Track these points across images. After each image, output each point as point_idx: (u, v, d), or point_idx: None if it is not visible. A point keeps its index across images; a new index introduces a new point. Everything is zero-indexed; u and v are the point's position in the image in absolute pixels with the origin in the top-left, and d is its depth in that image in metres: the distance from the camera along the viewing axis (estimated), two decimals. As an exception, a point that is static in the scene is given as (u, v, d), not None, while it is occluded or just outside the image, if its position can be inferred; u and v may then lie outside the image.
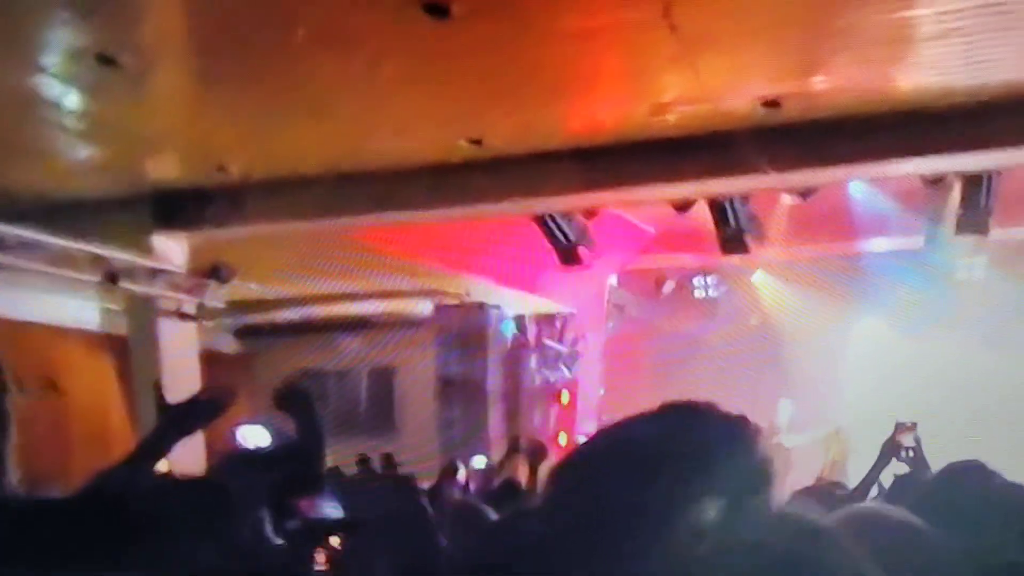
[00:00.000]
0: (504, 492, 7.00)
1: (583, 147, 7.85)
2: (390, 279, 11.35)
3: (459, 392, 12.84)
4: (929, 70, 6.78)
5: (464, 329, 12.48)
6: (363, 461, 9.85)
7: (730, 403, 1.60)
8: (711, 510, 1.34)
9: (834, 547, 1.31)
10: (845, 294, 12.73)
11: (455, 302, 12.37)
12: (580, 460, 1.66)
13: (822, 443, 12.63)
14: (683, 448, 1.51)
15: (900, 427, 5.95)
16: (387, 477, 8.51)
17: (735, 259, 10.67)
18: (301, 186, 8.44)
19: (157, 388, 3.11)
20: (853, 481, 6.74)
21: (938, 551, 2.11)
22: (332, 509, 2.47)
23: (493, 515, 3.81)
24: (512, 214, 9.21)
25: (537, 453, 5.39)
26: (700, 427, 1.58)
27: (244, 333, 14.29)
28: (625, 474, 1.50)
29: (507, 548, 1.79)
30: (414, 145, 7.82)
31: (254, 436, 4.71)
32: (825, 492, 6.03)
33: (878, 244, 11.86)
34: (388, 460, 10.22)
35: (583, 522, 1.49)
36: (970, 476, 2.99)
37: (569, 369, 14.17)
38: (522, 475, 7.61)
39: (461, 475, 8.46)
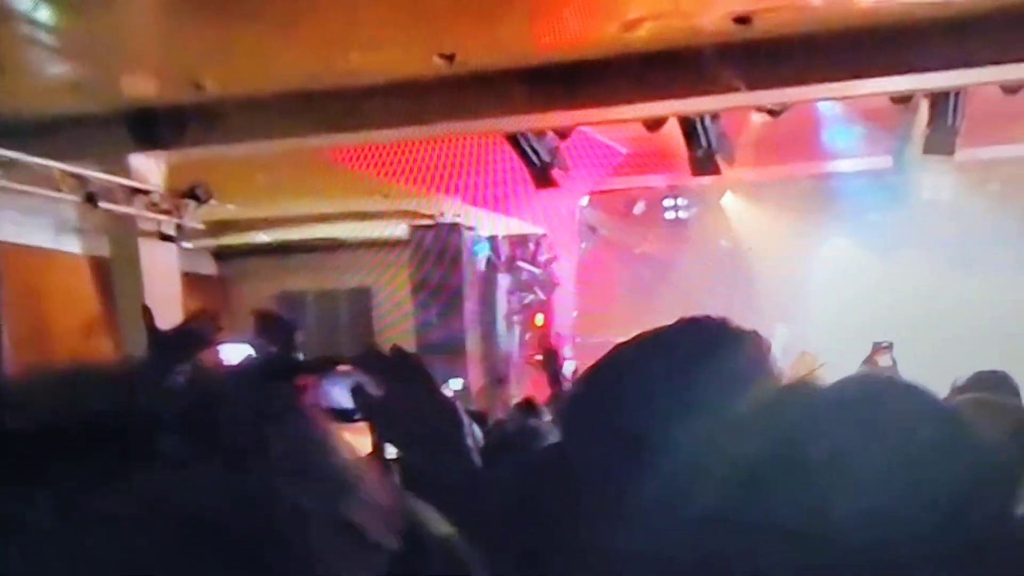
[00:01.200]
0: (524, 410, 6.96)
1: (555, 64, 7.76)
2: (365, 200, 11.27)
3: (436, 313, 12.80)
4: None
5: (438, 249, 12.41)
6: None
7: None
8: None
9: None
10: (814, 215, 12.74)
11: (429, 222, 12.29)
12: (597, 379, 1.64)
13: (791, 367, 12.74)
14: (711, 359, 1.50)
15: (877, 347, 5.98)
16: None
17: (705, 180, 10.66)
18: (275, 104, 8.32)
19: (146, 313, 3.01)
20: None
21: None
22: (341, 396, 2.34)
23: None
24: (485, 132, 9.13)
25: (552, 360, 5.29)
26: (723, 339, 1.58)
27: (223, 255, 14.22)
28: (654, 387, 1.49)
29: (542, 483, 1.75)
30: (387, 61, 7.70)
31: (239, 355, 4.66)
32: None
33: (846, 164, 11.86)
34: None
35: (615, 447, 1.47)
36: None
37: (542, 291, 14.16)
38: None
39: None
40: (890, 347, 6.05)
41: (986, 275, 12.27)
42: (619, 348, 1.65)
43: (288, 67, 7.83)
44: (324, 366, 2.18)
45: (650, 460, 1.27)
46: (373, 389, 1.85)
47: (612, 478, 1.39)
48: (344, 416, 2.13)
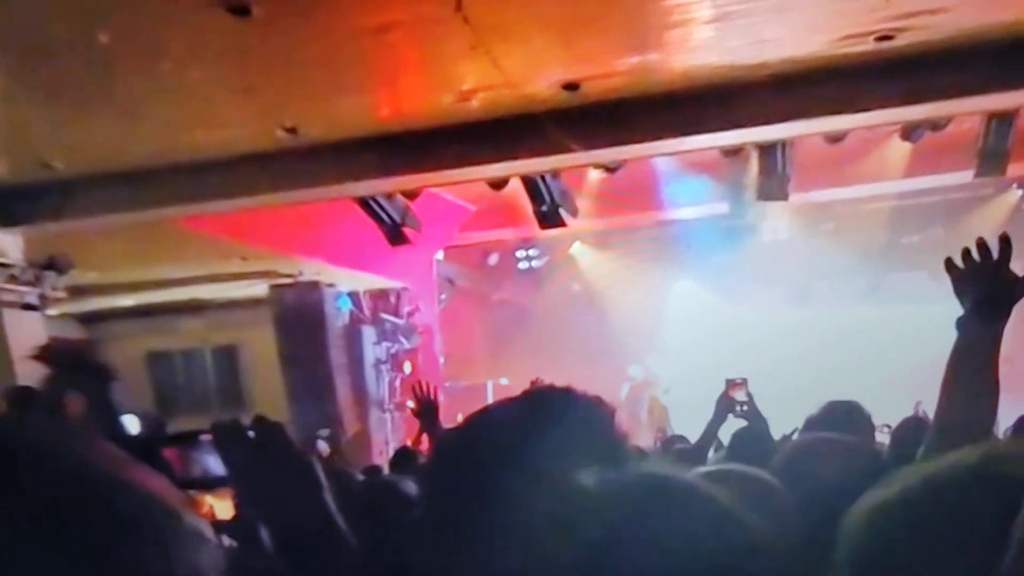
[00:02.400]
0: (402, 457, 6.97)
1: (395, 132, 7.86)
2: (224, 263, 11.21)
3: (303, 368, 12.74)
4: (713, 50, 6.95)
5: (300, 307, 12.39)
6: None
7: (560, 370, 1.68)
8: (580, 480, 1.38)
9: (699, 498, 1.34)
10: (659, 259, 13.06)
11: (289, 281, 12.26)
12: (452, 448, 1.71)
13: (646, 413, 12.97)
14: (551, 427, 1.58)
15: (731, 383, 6.00)
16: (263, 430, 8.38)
17: (554, 231, 10.85)
18: (125, 180, 8.30)
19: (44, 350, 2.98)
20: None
21: (789, 508, 2.21)
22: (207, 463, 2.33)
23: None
24: (330, 199, 9.18)
25: (427, 408, 5.21)
26: (564, 408, 1.66)
27: (89, 320, 13.97)
28: (497, 456, 1.56)
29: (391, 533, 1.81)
30: (231, 137, 7.73)
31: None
32: (669, 448, 6.08)
33: (686, 212, 12.16)
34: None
35: (458, 508, 1.56)
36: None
37: (408, 340, 14.21)
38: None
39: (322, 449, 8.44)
40: (745, 382, 6.10)
41: (824, 307, 12.68)
42: (470, 418, 1.72)
43: (135, 145, 7.80)
44: (190, 436, 2.19)
45: (500, 522, 1.37)
46: (236, 457, 1.89)
47: (465, 539, 1.48)
48: (211, 483, 2.16)
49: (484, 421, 1.75)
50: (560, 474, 1.43)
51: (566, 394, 1.73)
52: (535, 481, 1.45)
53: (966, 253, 2.53)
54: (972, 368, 2.46)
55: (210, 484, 2.16)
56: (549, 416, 1.64)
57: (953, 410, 2.46)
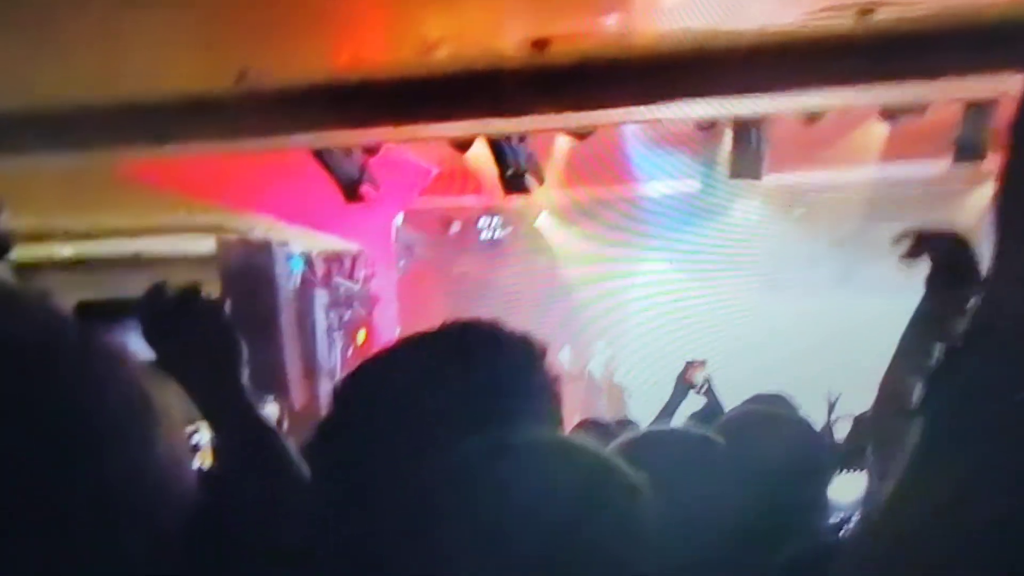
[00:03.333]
0: None
1: (354, 82, 7.75)
2: (168, 215, 11.03)
3: (250, 332, 12.48)
4: (688, 16, 6.90)
5: (249, 267, 12.14)
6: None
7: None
8: (499, 428, 1.30)
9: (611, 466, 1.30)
10: (626, 236, 13.00)
11: (237, 238, 12.05)
12: (362, 378, 1.58)
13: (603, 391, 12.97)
14: (468, 364, 1.46)
15: (690, 365, 6.02)
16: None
17: (519, 202, 10.78)
18: (61, 120, 8.10)
19: None
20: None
21: (729, 466, 2.17)
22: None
23: None
24: (282, 150, 9.04)
25: None
26: (486, 343, 1.52)
27: (23, 270, 13.75)
28: (409, 391, 1.46)
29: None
30: (176, 77, 7.57)
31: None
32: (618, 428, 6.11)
33: (655, 188, 12.13)
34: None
35: (363, 446, 1.44)
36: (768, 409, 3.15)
37: (362, 307, 14.05)
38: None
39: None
40: (703, 363, 6.13)
41: (794, 294, 12.69)
42: (384, 348, 1.61)
43: (73, 87, 7.64)
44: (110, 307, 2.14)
45: (401, 463, 1.28)
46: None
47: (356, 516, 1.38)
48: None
49: (397, 353, 1.64)
50: (481, 418, 1.35)
51: (491, 327, 1.61)
52: (451, 422, 1.37)
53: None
54: (920, 336, 2.43)
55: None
56: (466, 357, 1.52)
57: (896, 373, 2.42)
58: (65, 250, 12.63)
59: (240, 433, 1.86)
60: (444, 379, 1.48)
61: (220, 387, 1.86)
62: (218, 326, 1.92)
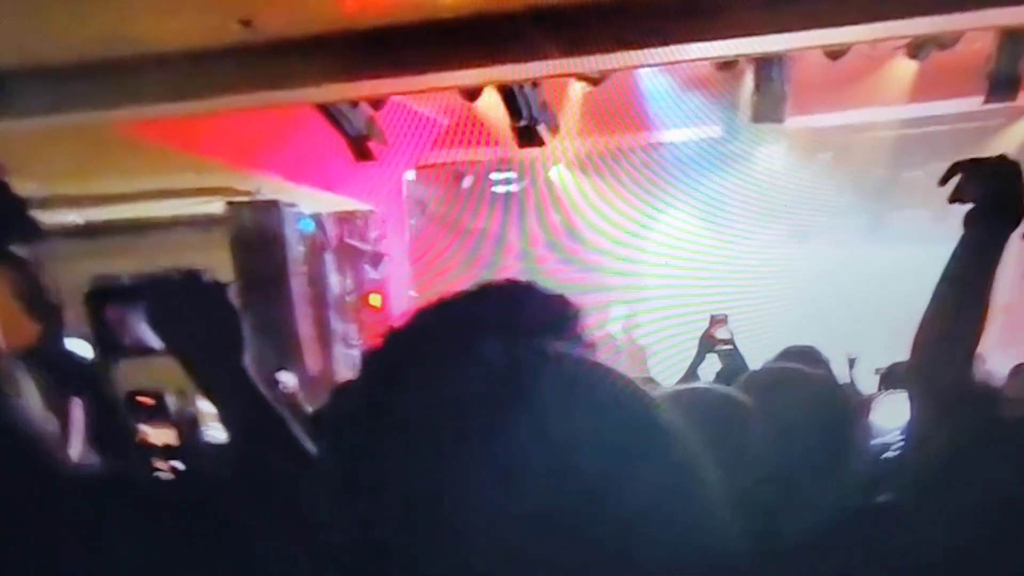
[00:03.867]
0: None
1: (359, 30, 7.63)
2: (176, 177, 10.95)
3: (262, 295, 12.48)
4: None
5: (259, 229, 12.06)
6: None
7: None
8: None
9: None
10: (645, 187, 12.81)
11: (246, 200, 11.94)
12: (397, 341, 1.49)
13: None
14: (511, 321, 1.38)
15: (714, 320, 5.98)
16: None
17: (533, 153, 10.66)
18: (65, 77, 8.04)
19: None
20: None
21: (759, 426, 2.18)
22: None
23: None
24: (289, 103, 8.93)
25: None
26: (527, 301, 1.44)
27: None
28: (452, 351, 1.36)
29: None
30: (180, 28, 7.48)
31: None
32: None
33: (676, 135, 11.96)
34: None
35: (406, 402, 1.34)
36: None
37: (376, 270, 13.95)
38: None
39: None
40: (726, 319, 6.07)
41: (821, 244, 12.54)
42: (418, 312, 1.53)
43: (74, 36, 7.55)
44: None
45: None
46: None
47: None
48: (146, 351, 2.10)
49: (432, 314, 1.53)
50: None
51: (526, 285, 1.51)
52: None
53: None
54: (966, 276, 2.28)
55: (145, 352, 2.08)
56: (511, 307, 1.42)
57: (935, 322, 2.28)
58: (74, 216, 12.57)
59: (244, 412, 1.92)
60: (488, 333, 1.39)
61: (223, 369, 1.91)
62: (221, 309, 1.96)
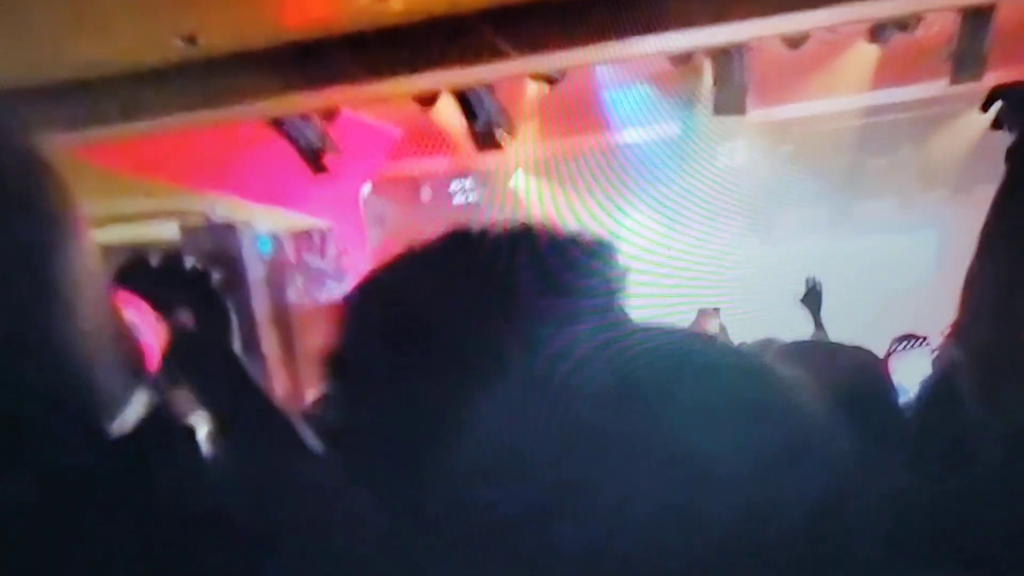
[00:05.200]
0: None
1: (306, 42, 7.54)
2: (126, 201, 10.78)
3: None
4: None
5: (217, 252, 11.91)
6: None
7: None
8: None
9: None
10: (607, 189, 12.74)
11: (200, 222, 11.80)
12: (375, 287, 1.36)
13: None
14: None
15: (703, 313, 5.94)
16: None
17: (491, 161, 10.58)
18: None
19: None
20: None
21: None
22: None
23: None
24: (239, 119, 8.81)
25: None
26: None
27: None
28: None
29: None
30: (122, 46, 7.35)
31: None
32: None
33: (636, 134, 11.90)
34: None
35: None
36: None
37: (338, 286, 13.84)
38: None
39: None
40: (717, 312, 6.03)
41: (787, 239, 12.53)
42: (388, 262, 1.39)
43: (12, 63, 7.39)
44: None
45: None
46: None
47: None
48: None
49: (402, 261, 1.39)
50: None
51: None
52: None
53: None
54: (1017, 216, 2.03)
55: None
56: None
57: (985, 273, 1.92)
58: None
59: (233, 397, 1.83)
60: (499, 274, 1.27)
61: (211, 356, 1.87)
62: (206, 293, 1.94)
